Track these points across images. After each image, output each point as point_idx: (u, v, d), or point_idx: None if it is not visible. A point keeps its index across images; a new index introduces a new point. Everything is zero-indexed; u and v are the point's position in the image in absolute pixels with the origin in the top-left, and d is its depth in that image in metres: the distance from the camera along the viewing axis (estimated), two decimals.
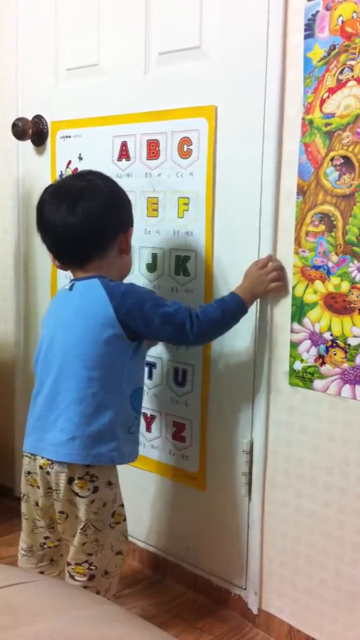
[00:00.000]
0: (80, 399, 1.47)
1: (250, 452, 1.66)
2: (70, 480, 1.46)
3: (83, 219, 1.48)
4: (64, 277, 2.01)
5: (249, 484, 1.67)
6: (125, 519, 1.56)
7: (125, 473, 1.92)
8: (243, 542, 1.71)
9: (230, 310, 1.54)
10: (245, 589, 1.72)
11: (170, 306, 1.51)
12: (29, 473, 1.53)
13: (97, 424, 1.46)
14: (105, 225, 1.52)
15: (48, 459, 1.47)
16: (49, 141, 2.03)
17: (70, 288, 1.54)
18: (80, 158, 1.94)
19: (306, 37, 1.44)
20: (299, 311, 1.52)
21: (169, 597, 1.81)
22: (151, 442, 1.87)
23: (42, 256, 2.10)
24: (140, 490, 1.92)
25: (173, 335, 1.53)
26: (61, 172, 1.99)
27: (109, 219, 1.52)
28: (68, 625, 0.93)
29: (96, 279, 1.50)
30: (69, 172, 1.96)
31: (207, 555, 1.81)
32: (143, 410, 1.85)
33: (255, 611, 1.69)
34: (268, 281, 1.55)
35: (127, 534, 1.57)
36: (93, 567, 1.49)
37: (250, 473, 1.66)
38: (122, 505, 1.55)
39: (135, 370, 1.56)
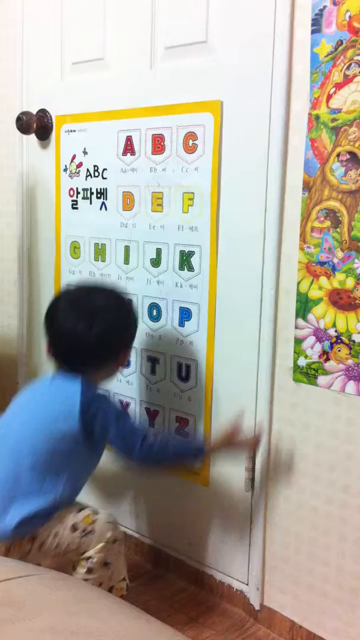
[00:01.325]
0: (30, 489, 1.52)
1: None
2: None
3: (97, 339, 1.56)
4: (68, 272, 2.01)
5: (252, 479, 1.67)
6: (97, 511, 1.58)
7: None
8: (245, 537, 1.71)
9: (185, 458, 1.64)
10: (247, 584, 1.72)
11: (130, 425, 1.59)
12: None
13: (35, 509, 1.52)
14: (116, 347, 1.62)
15: None
16: (53, 135, 2.03)
17: (51, 381, 1.63)
18: (85, 152, 1.93)
19: (313, 32, 1.44)
20: (304, 307, 1.52)
21: (170, 592, 1.82)
22: None
23: (46, 250, 2.10)
24: (142, 485, 1.93)
25: (121, 451, 1.58)
26: (65, 166, 1.99)
27: (120, 341, 1.64)
28: (71, 618, 0.93)
29: (78, 382, 1.56)
30: (74, 166, 1.96)
31: (209, 550, 1.81)
32: (146, 405, 1.86)
33: (257, 607, 1.69)
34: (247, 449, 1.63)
35: (112, 519, 1.58)
36: (92, 560, 1.52)
37: (253, 469, 1.66)
38: (85, 508, 1.58)
39: (86, 467, 1.64)
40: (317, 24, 1.43)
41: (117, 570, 1.57)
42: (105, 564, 1.53)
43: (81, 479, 1.63)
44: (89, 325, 1.55)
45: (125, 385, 1.91)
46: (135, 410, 1.90)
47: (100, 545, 1.53)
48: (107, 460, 1.98)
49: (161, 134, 1.74)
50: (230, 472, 1.71)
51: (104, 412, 1.56)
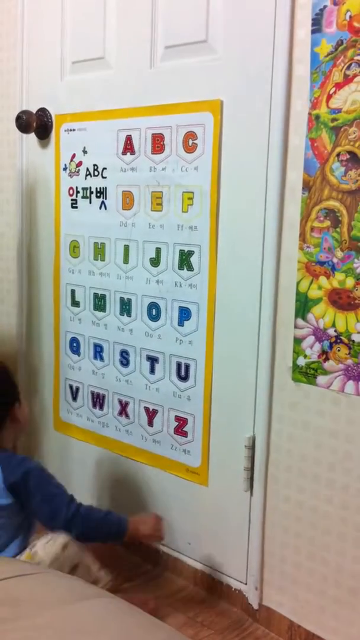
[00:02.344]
0: None
1: (253, 447, 1.65)
2: None
3: None
4: (68, 271, 2.01)
5: (251, 479, 1.67)
6: (34, 544, 1.59)
7: (126, 467, 1.93)
8: (244, 536, 1.71)
9: (108, 531, 1.64)
10: (246, 583, 1.72)
11: (56, 488, 1.61)
12: None
13: None
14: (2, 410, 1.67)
15: None
16: (53, 134, 2.03)
17: None
18: (85, 152, 1.93)
19: (313, 32, 1.44)
20: (303, 307, 1.52)
21: (169, 591, 1.82)
22: (153, 437, 1.87)
23: (45, 249, 2.10)
24: (141, 484, 1.93)
25: (44, 515, 1.60)
26: (65, 165, 1.99)
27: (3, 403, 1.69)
28: (70, 617, 0.93)
29: None
30: (73, 165, 1.96)
31: (208, 550, 1.81)
32: (145, 405, 1.86)
33: (255, 606, 1.69)
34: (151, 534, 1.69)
35: (47, 539, 1.57)
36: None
37: (252, 468, 1.66)
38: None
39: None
40: (317, 23, 1.43)
41: (88, 565, 1.58)
42: (74, 567, 1.54)
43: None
44: None
45: (124, 385, 1.91)
46: (135, 409, 1.90)
47: (56, 561, 1.52)
48: (106, 459, 1.99)
49: (161, 133, 1.74)
50: (229, 471, 1.71)
51: (26, 465, 1.60)
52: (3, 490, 1.57)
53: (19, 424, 1.70)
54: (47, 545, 1.54)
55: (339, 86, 1.41)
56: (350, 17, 1.38)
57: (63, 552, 1.53)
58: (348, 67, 1.39)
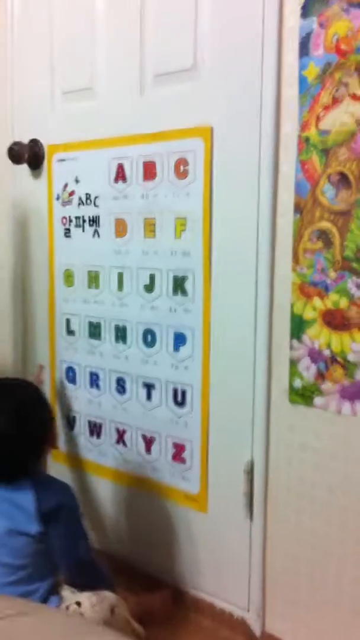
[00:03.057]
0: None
1: (251, 472, 1.64)
2: None
3: (30, 435, 1.57)
4: (62, 300, 2.01)
5: (250, 504, 1.65)
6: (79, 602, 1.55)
7: (125, 495, 1.92)
8: (245, 563, 1.69)
9: (102, 581, 1.61)
10: (248, 610, 1.70)
11: (82, 528, 1.60)
12: None
13: None
14: (46, 434, 1.67)
15: None
16: (45, 164, 2.04)
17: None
18: (77, 181, 1.94)
19: (301, 55, 1.46)
20: (298, 328, 1.52)
21: (171, 620, 1.78)
22: (151, 464, 1.85)
23: (39, 279, 2.10)
24: (139, 512, 1.91)
25: (64, 552, 1.56)
26: (58, 195, 2.00)
27: (48, 425, 1.69)
28: None
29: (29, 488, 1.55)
30: (66, 194, 1.97)
31: (208, 577, 1.78)
32: (142, 432, 1.85)
33: (258, 633, 1.66)
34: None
35: (96, 600, 1.53)
36: None
37: (251, 493, 1.65)
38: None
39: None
40: (304, 47, 1.45)
41: (127, 618, 1.56)
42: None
43: None
44: (17, 425, 1.54)
45: (121, 412, 1.90)
46: (132, 437, 1.88)
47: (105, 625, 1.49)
48: (104, 488, 1.97)
49: (152, 161, 1.75)
50: (228, 497, 1.70)
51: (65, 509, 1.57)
52: (36, 518, 1.51)
53: (54, 443, 1.72)
54: (96, 607, 1.49)
55: (327, 108, 1.42)
56: (337, 39, 1.39)
57: (113, 615, 1.50)
58: (336, 90, 1.41)
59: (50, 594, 1.54)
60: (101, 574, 1.62)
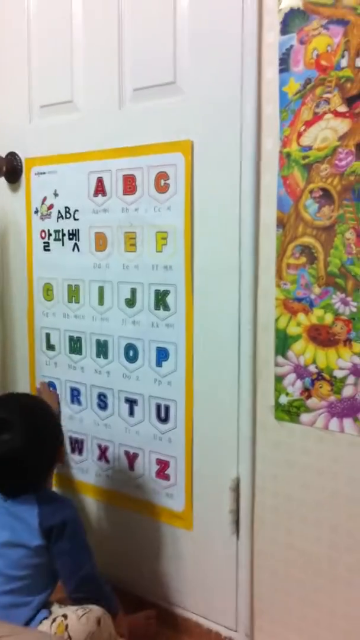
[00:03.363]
0: None
1: (237, 489, 1.63)
2: None
3: (40, 452, 1.59)
4: (42, 314, 1.99)
5: (237, 522, 1.64)
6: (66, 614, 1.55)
7: (108, 513, 1.89)
8: (232, 582, 1.67)
9: (109, 600, 1.59)
10: (236, 631, 1.68)
11: (86, 543, 1.60)
12: None
13: None
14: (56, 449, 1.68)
15: None
16: (23, 178, 2.01)
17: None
18: (56, 194, 1.92)
19: (281, 71, 1.44)
20: (283, 344, 1.51)
21: None
22: (135, 481, 1.83)
23: (18, 293, 2.07)
24: (124, 530, 1.88)
25: (68, 567, 1.56)
26: (36, 208, 1.97)
27: (57, 440, 1.69)
28: None
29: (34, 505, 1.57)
30: (45, 208, 1.94)
31: (195, 597, 1.76)
32: (125, 448, 1.83)
33: None
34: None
35: (82, 612, 1.52)
36: None
37: (237, 511, 1.63)
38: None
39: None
40: (284, 63, 1.44)
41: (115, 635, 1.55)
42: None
43: None
44: (29, 441, 1.54)
45: (103, 429, 1.88)
46: (115, 453, 1.86)
47: (91, 638, 1.47)
48: (86, 506, 1.95)
49: (132, 175, 1.73)
50: (214, 514, 1.68)
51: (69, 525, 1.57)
52: (37, 531, 1.54)
53: (62, 460, 1.73)
54: (82, 619, 1.48)
55: (308, 124, 1.41)
56: (317, 55, 1.38)
57: (99, 627, 1.48)
58: (317, 105, 1.40)
59: (42, 607, 1.55)
60: (104, 590, 1.60)
